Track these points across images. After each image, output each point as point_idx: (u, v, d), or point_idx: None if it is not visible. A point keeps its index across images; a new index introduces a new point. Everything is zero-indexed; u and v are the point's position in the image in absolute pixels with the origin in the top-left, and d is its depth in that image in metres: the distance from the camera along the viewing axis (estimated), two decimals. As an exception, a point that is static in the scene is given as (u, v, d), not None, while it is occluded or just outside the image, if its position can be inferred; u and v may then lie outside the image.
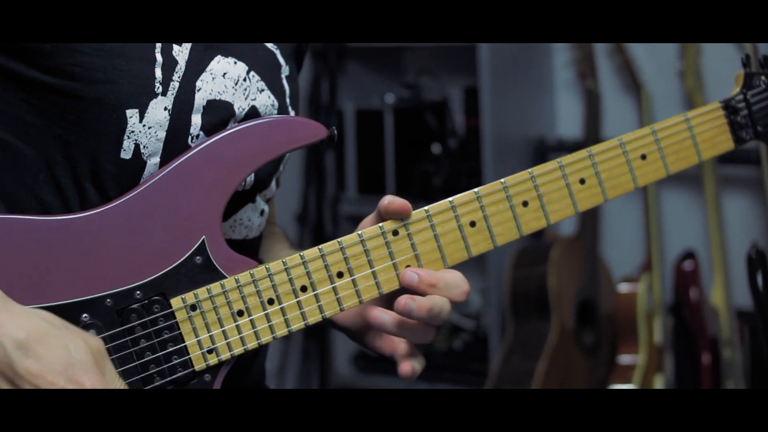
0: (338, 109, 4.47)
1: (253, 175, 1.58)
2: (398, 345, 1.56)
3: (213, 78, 1.53)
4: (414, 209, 1.50)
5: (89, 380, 1.29)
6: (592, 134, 3.99)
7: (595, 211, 3.98)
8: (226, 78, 1.54)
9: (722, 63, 3.93)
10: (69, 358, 1.29)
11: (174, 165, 1.45)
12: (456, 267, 1.54)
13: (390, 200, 1.48)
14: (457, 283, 1.51)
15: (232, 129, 1.47)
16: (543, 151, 4.18)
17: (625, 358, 3.91)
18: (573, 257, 3.90)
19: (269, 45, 1.63)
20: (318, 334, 4.44)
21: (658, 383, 3.88)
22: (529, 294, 3.85)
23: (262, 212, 1.65)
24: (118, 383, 1.35)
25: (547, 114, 4.31)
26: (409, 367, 1.54)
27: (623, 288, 3.95)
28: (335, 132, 1.52)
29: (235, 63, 1.56)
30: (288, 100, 1.64)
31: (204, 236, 1.45)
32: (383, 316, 1.51)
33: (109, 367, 1.35)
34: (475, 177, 4.08)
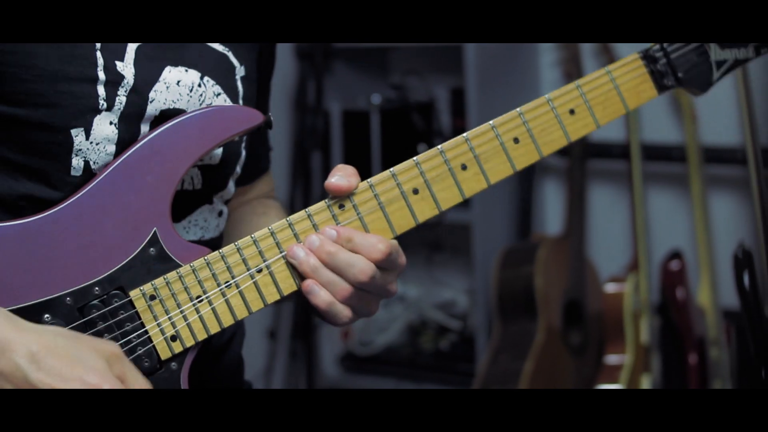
0: (324, 109, 4.46)
1: (201, 176, 1.61)
2: None
3: (167, 87, 1.54)
4: None
5: (107, 385, 1.30)
6: (579, 134, 3.99)
7: (581, 211, 3.98)
8: (180, 86, 1.56)
9: (708, 63, 3.92)
10: (83, 368, 1.30)
11: (118, 162, 1.47)
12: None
13: (328, 181, 1.51)
14: (372, 242, 1.50)
15: (171, 122, 1.50)
16: (530, 151, 4.18)
17: (612, 358, 3.92)
18: (560, 257, 3.90)
19: (220, 48, 1.64)
20: (305, 335, 4.44)
21: (645, 383, 3.88)
22: (516, 294, 3.85)
23: (220, 213, 1.67)
24: (142, 382, 1.36)
25: (534, 114, 4.30)
26: None
27: (610, 288, 3.95)
28: (271, 118, 1.55)
29: (187, 71, 1.57)
30: (241, 102, 1.65)
31: (155, 227, 1.47)
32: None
33: (129, 368, 1.36)
34: (461, 177, 4.07)
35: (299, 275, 1.49)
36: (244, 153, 1.69)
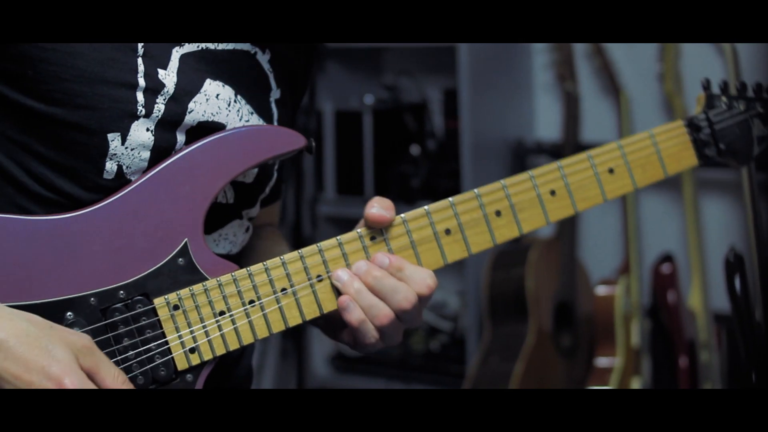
0: (317, 109, 4.46)
1: (233, 191, 1.60)
2: None
3: (207, 99, 1.53)
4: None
5: (69, 380, 1.31)
6: (571, 136, 3.99)
7: (573, 213, 3.98)
8: (219, 99, 1.55)
9: (701, 66, 3.93)
10: (48, 359, 1.31)
11: (157, 170, 1.47)
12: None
13: (369, 211, 1.51)
14: (422, 276, 1.51)
15: (213, 136, 1.49)
16: (522, 153, 4.18)
17: (602, 361, 3.92)
18: (551, 259, 3.90)
19: (265, 66, 1.63)
20: (295, 335, 4.44)
21: (635, 386, 3.88)
22: (506, 296, 3.85)
23: (247, 229, 1.66)
24: (114, 372, 1.37)
25: (526, 116, 4.31)
26: None
27: (601, 290, 3.95)
28: (313, 143, 1.55)
29: (223, 86, 1.56)
30: (275, 124, 1.64)
31: (186, 239, 1.47)
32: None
33: (101, 360, 1.36)
34: (453, 178, 4.08)
35: (327, 303, 1.50)
36: (275, 175, 1.69)
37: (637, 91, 4.07)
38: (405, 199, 4.14)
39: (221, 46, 1.57)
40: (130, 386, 1.39)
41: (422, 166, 4.26)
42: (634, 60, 4.10)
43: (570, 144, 3.98)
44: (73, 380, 1.31)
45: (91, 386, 1.34)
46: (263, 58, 1.63)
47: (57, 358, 1.31)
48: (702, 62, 3.94)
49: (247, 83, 1.60)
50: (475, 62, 3.99)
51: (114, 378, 1.37)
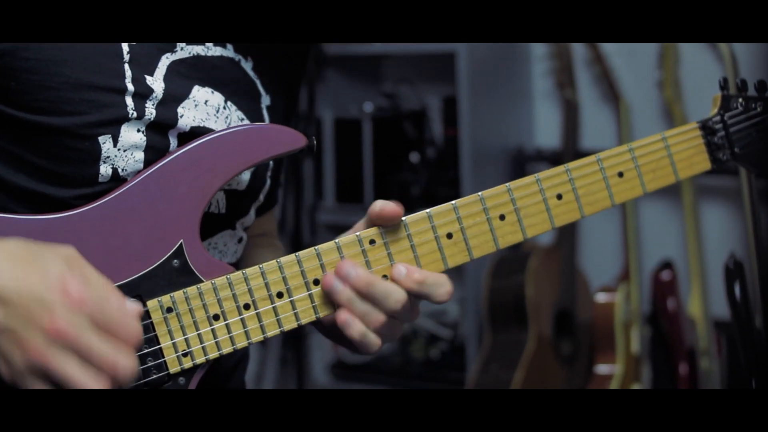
0: (317, 117, 4.46)
1: (225, 201, 1.59)
2: None
3: (195, 105, 1.53)
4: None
5: (70, 275, 1.28)
6: (571, 144, 4.00)
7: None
8: (208, 105, 1.54)
9: (700, 73, 3.94)
10: (44, 262, 1.28)
11: (153, 169, 1.45)
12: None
13: (382, 206, 1.49)
14: (441, 282, 1.49)
15: (212, 134, 1.48)
16: (521, 160, 4.19)
17: (602, 368, 3.92)
18: (551, 267, 3.90)
19: (250, 74, 1.63)
20: (295, 342, 4.44)
21: (636, 393, 3.88)
22: (506, 303, 3.85)
23: (240, 240, 1.65)
24: (102, 281, 1.33)
25: (526, 124, 4.31)
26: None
27: (601, 298, 3.95)
28: (314, 142, 1.53)
29: (212, 92, 1.56)
30: None
31: (182, 240, 1.45)
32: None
33: (88, 268, 1.33)
34: (453, 186, 4.08)
35: (323, 307, 1.48)
36: (269, 182, 1.68)
37: (636, 99, 4.08)
38: (404, 207, 4.13)
39: (210, 53, 1.57)
40: (115, 291, 1.34)
41: (422, 174, 4.26)
42: (634, 67, 4.10)
43: (569, 151, 3.98)
44: (74, 274, 1.28)
45: (89, 280, 1.31)
46: (247, 66, 1.63)
47: (52, 260, 1.29)
48: (701, 69, 3.94)
49: (236, 90, 1.60)
50: (475, 70, 3.99)
51: (100, 282, 1.33)
